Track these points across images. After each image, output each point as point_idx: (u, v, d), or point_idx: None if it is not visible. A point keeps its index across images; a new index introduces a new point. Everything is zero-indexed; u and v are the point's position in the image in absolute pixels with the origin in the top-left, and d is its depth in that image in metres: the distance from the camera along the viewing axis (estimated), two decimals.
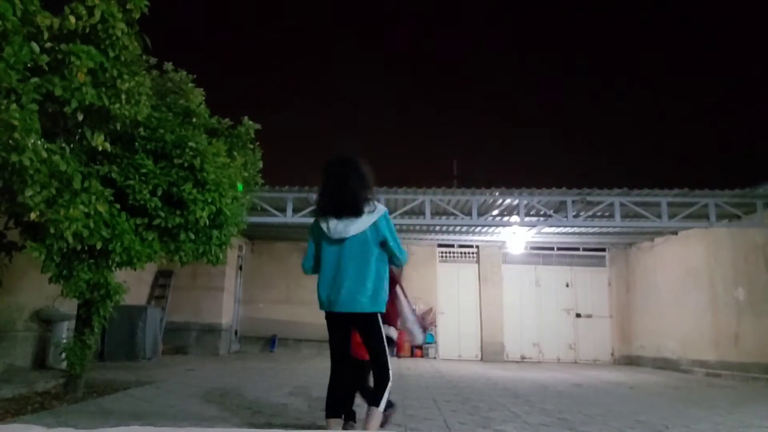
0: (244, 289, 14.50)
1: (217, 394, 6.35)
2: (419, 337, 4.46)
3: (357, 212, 3.24)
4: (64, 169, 4.49)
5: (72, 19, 4.44)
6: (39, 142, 4.09)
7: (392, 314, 4.12)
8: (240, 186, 6.72)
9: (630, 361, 14.18)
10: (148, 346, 10.52)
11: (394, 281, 3.87)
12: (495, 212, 11.57)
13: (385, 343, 3.36)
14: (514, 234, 12.78)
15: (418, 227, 13.04)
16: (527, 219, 11.06)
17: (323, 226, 3.33)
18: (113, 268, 5.60)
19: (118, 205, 5.30)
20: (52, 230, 4.60)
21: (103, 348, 9.95)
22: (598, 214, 11.03)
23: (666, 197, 10.28)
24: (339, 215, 3.26)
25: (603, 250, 15.11)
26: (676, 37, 30.70)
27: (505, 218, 11.66)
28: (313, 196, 10.21)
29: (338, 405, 3.42)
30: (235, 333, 14.05)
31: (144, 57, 5.64)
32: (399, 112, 33.33)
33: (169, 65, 6.74)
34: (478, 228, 13.01)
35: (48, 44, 4.34)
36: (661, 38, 30.77)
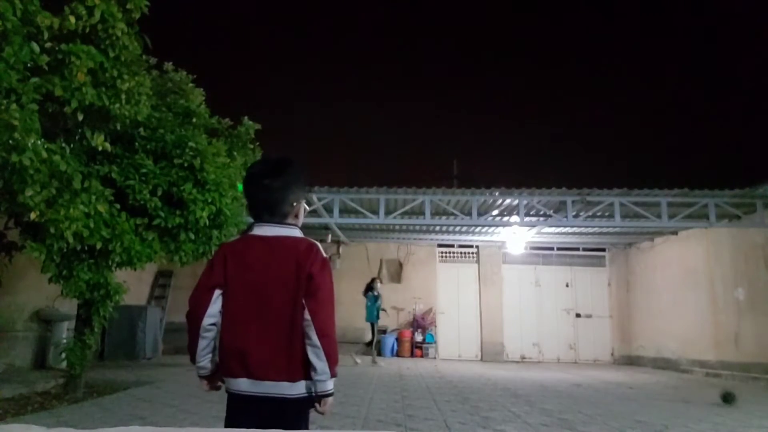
0: None
1: (217, 394, 6.35)
2: None
3: None
4: (64, 169, 4.49)
5: (72, 19, 4.44)
6: (39, 142, 4.09)
7: None
8: (240, 186, 6.72)
9: (630, 361, 14.17)
10: (148, 346, 10.52)
11: None
12: (495, 212, 11.56)
13: None
14: (514, 234, 12.78)
15: (418, 227, 13.04)
16: (527, 219, 11.05)
17: None
18: (113, 268, 5.61)
19: (118, 205, 5.31)
20: (52, 230, 4.61)
21: (103, 348, 9.95)
22: (598, 214, 11.02)
23: (666, 197, 10.27)
24: None
25: (603, 250, 15.10)
26: (677, 37, 30.69)
27: (505, 218, 11.65)
28: (314, 197, 10.21)
29: None
30: None
31: (144, 57, 5.65)
32: (399, 112, 33.32)
33: (169, 65, 6.75)
34: (478, 228, 13.01)
35: (48, 44, 4.34)
36: (662, 38, 30.77)
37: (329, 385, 1.84)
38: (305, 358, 1.81)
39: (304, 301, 1.83)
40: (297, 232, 1.96)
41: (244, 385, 1.83)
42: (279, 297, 1.85)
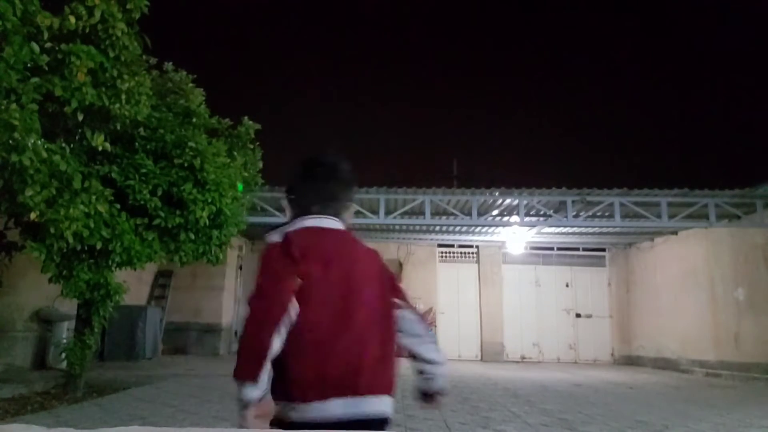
0: (244, 289, 14.49)
1: (217, 394, 6.35)
2: None
3: None
4: (64, 169, 4.49)
5: (72, 19, 4.45)
6: (39, 142, 4.10)
7: None
8: (240, 186, 6.73)
9: (630, 361, 14.17)
10: (148, 346, 10.52)
11: None
12: (495, 212, 11.56)
13: None
14: (514, 234, 12.78)
15: (418, 227, 13.03)
16: (527, 219, 11.06)
17: None
18: (113, 268, 5.61)
19: (118, 205, 5.31)
20: (52, 230, 4.61)
21: (103, 348, 9.94)
22: (598, 214, 11.03)
23: (666, 197, 10.28)
24: None
25: (603, 250, 15.10)
26: (677, 37, 30.70)
27: (505, 218, 11.65)
28: None
29: None
30: (235, 333, 14.03)
31: (144, 57, 5.65)
32: (399, 112, 33.34)
33: (169, 65, 6.75)
34: (478, 228, 13.01)
35: (48, 44, 4.35)
36: (662, 37, 30.78)
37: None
38: (397, 372, 1.62)
39: (396, 301, 1.64)
40: None
41: (341, 407, 1.43)
42: (369, 295, 1.58)
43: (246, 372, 1.35)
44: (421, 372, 1.67)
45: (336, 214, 1.67)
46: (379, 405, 1.48)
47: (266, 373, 1.37)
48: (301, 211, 1.67)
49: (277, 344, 1.38)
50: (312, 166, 1.74)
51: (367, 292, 1.57)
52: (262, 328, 1.38)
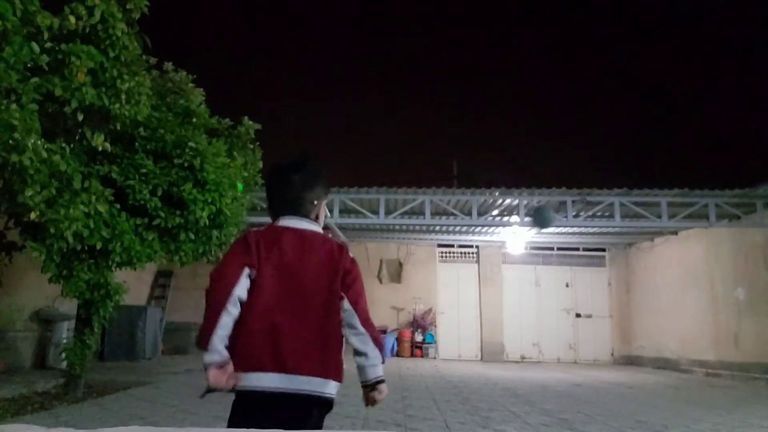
0: None
1: (217, 394, 6.35)
2: None
3: None
4: (64, 169, 4.49)
5: (72, 19, 4.44)
6: (39, 142, 4.10)
7: None
8: (240, 186, 6.72)
9: (630, 361, 14.17)
10: (148, 346, 10.52)
11: None
12: (495, 212, 11.56)
13: None
14: (514, 234, 12.78)
15: (418, 227, 13.04)
16: (527, 219, 11.06)
17: None
18: (113, 268, 5.61)
19: (118, 205, 5.31)
20: (52, 230, 4.61)
21: (103, 348, 9.94)
22: (598, 214, 11.03)
23: (666, 197, 10.28)
24: None
25: (603, 250, 15.10)
26: (676, 37, 30.69)
27: (505, 218, 11.66)
28: None
29: None
30: None
31: (144, 57, 5.65)
32: (399, 112, 33.31)
33: (169, 65, 6.74)
34: (478, 228, 13.01)
35: (48, 44, 4.34)
36: (661, 38, 30.77)
37: (381, 370, 1.77)
38: (338, 358, 1.76)
39: (342, 293, 1.77)
40: (321, 232, 1.92)
41: (274, 380, 1.66)
42: (315, 287, 1.77)
43: (200, 342, 1.65)
44: (356, 362, 1.79)
45: (306, 215, 1.90)
46: (310, 384, 1.67)
47: (220, 342, 1.63)
48: (274, 215, 1.93)
49: (227, 318, 1.65)
50: (271, 176, 2.00)
51: (312, 282, 1.77)
52: (211, 308, 1.66)
